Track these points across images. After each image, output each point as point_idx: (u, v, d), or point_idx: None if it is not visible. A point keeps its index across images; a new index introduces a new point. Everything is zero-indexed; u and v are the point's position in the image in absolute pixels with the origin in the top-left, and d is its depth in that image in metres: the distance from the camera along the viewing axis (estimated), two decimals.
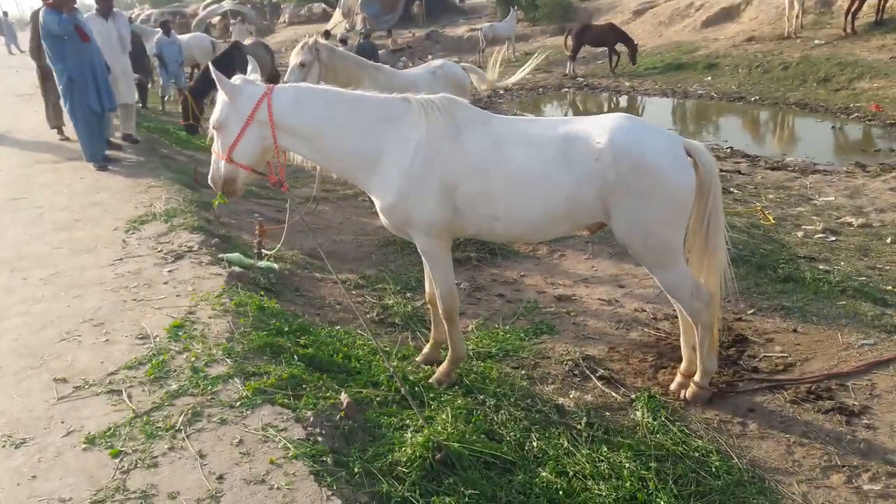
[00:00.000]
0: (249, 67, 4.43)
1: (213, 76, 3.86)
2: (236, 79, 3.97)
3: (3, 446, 3.36)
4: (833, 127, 14.25)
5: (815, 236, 7.79)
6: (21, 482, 3.10)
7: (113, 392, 3.75)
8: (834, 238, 7.71)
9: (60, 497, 2.97)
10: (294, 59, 7.66)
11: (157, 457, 3.20)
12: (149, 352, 4.15)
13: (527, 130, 3.90)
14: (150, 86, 16.27)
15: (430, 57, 26.08)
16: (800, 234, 7.89)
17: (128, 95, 10.20)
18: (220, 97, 3.94)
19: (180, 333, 4.35)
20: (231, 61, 11.90)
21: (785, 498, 3.49)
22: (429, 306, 4.68)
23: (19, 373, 4.05)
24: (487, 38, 26.80)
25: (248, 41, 16.70)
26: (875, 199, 9.34)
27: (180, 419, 3.45)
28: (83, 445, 3.31)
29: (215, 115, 3.96)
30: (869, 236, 7.74)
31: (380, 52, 21.35)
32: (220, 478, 3.04)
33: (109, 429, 3.42)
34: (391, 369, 3.94)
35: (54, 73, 8.91)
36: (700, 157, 3.88)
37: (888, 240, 7.55)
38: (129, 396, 3.70)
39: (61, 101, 9.20)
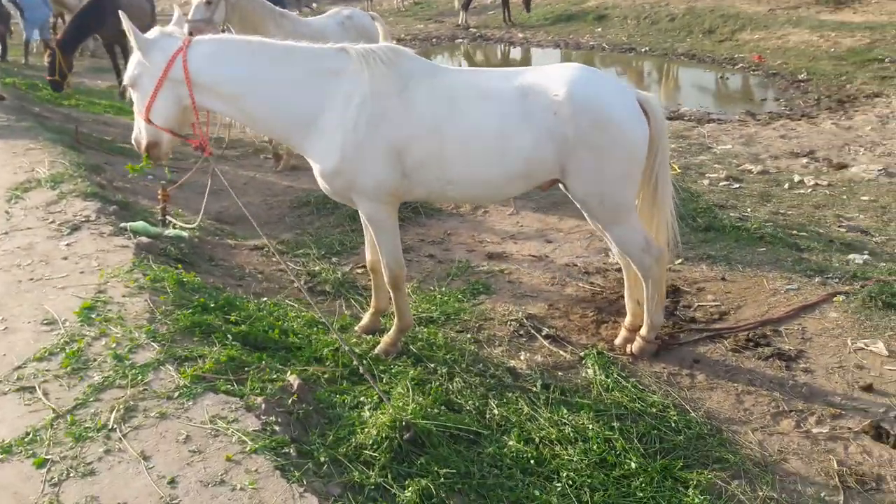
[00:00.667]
0: (175, 15, 3.89)
1: (125, 27, 3.39)
2: (153, 31, 3.52)
3: None
4: (721, 77, 14.78)
5: (720, 184, 8.02)
6: None
7: (24, 389, 3.27)
8: (737, 185, 7.96)
9: None
10: None
11: (91, 463, 2.80)
12: (59, 339, 3.66)
13: (479, 83, 3.65)
14: (9, 36, 14.65)
15: (314, 5, 24.99)
16: (705, 182, 8.10)
17: None
18: (134, 51, 3.50)
19: (93, 316, 3.87)
20: (101, 11, 10.82)
21: (743, 448, 3.53)
22: (365, 272, 4.40)
23: None
24: None
25: None
26: (769, 146, 9.73)
27: (112, 416, 3.04)
28: None
29: (128, 71, 3.56)
30: (769, 183, 8.05)
31: None
32: (173, 482, 2.69)
33: (28, 433, 2.96)
34: (345, 345, 3.65)
35: None
36: (652, 110, 3.78)
37: (786, 185, 7.87)
38: (45, 393, 3.23)
39: None
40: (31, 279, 4.36)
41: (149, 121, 3.55)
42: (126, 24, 3.42)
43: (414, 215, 6.60)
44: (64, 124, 9.12)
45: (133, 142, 3.79)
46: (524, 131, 3.54)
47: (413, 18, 24.76)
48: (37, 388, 3.28)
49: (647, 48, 17.57)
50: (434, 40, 21.17)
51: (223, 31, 8.40)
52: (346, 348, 3.61)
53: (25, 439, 2.94)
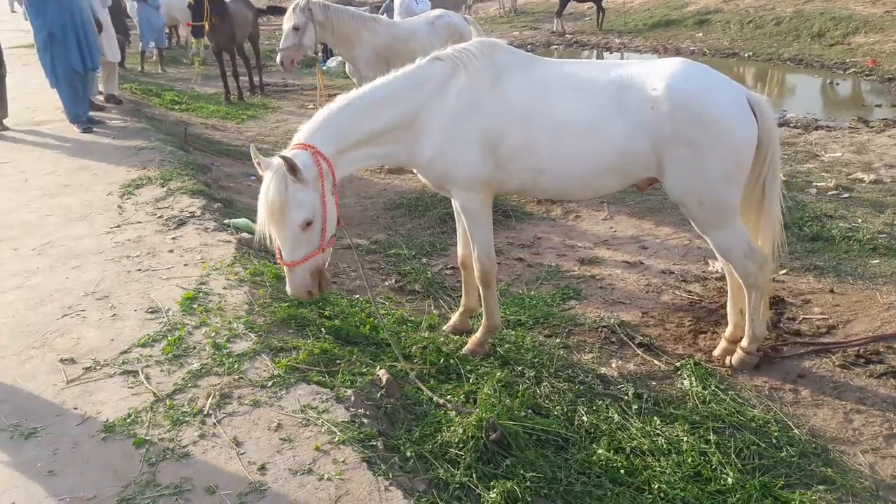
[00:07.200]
0: None
1: (254, 160, 3.22)
2: (271, 160, 3.25)
3: (12, 437, 3.02)
4: (830, 82, 14.02)
5: (828, 193, 7.57)
6: (36, 478, 2.77)
7: (128, 373, 3.43)
8: (847, 195, 7.49)
9: (83, 495, 2.65)
10: (287, 23, 7.37)
11: (186, 446, 2.89)
12: (162, 327, 3.83)
13: (575, 74, 3.61)
14: (127, 45, 15.60)
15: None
16: (812, 190, 7.67)
17: (110, 53, 9.65)
18: (282, 190, 3.14)
19: (195, 306, 4.02)
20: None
21: (852, 470, 3.29)
22: (459, 269, 4.38)
23: (20, 353, 3.70)
24: None
25: None
26: (883, 154, 9.13)
27: (208, 402, 3.15)
28: (102, 434, 3.00)
29: (297, 214, 3.20)
30: (882, 192, 7.53)
31: (361, 10, 20.65)
32: (262, 468, 2.75)
33: (129, 415, 3.10)
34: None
35: (32, 29, 8.34)
36: (762, 113, 3.60)
37: None
38: (147, 377, 3.38)
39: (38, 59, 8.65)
40: (139, 270, 4.59)
41: (324, 247, 3.39)
42: (254, 154, 3.22)
43: (504, 218, 6.56)
44: (174, 127, 9.58)
45: (299, 293, 3.32)
46: (617, 124, 3.46)
47: (508, 25, 24.75)
48: (140, 372, 3.43)
49: (750, 53, 16.87)
50: (529, 47, 21.04)
51: (316, 52, 8.68)
52: (433, 347, 3.59)
53: (127, 420, 3.07)
